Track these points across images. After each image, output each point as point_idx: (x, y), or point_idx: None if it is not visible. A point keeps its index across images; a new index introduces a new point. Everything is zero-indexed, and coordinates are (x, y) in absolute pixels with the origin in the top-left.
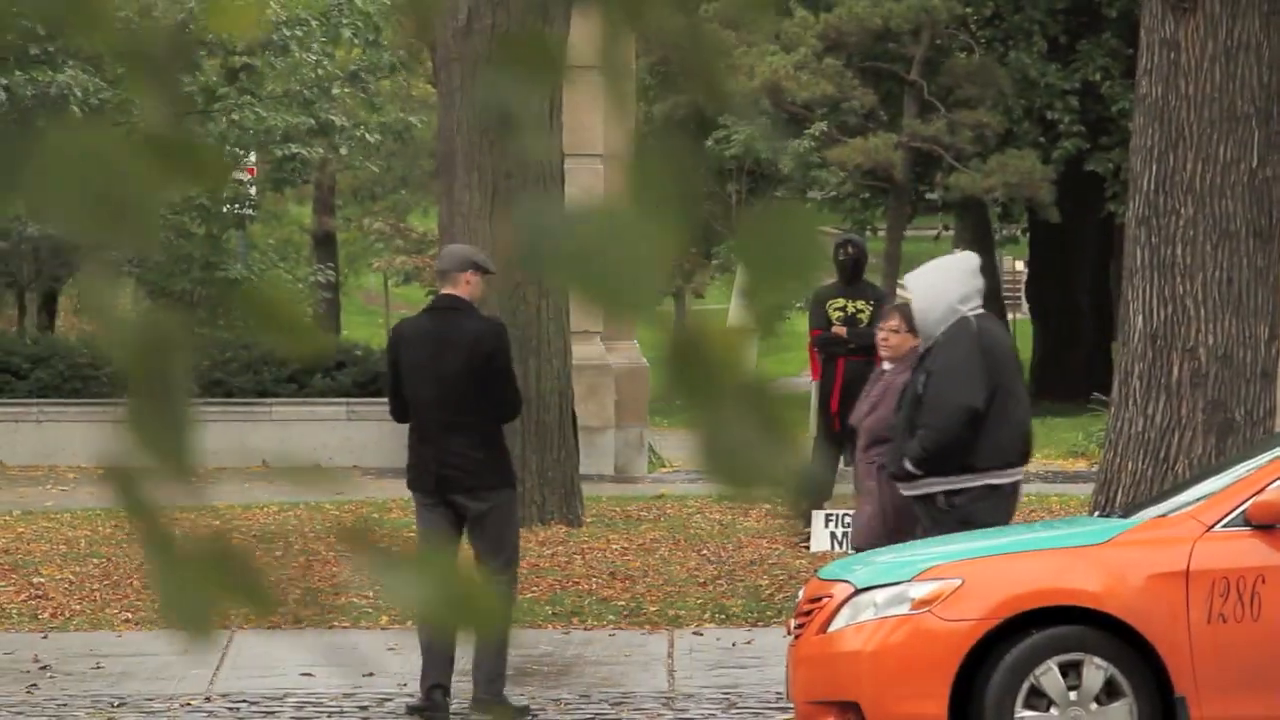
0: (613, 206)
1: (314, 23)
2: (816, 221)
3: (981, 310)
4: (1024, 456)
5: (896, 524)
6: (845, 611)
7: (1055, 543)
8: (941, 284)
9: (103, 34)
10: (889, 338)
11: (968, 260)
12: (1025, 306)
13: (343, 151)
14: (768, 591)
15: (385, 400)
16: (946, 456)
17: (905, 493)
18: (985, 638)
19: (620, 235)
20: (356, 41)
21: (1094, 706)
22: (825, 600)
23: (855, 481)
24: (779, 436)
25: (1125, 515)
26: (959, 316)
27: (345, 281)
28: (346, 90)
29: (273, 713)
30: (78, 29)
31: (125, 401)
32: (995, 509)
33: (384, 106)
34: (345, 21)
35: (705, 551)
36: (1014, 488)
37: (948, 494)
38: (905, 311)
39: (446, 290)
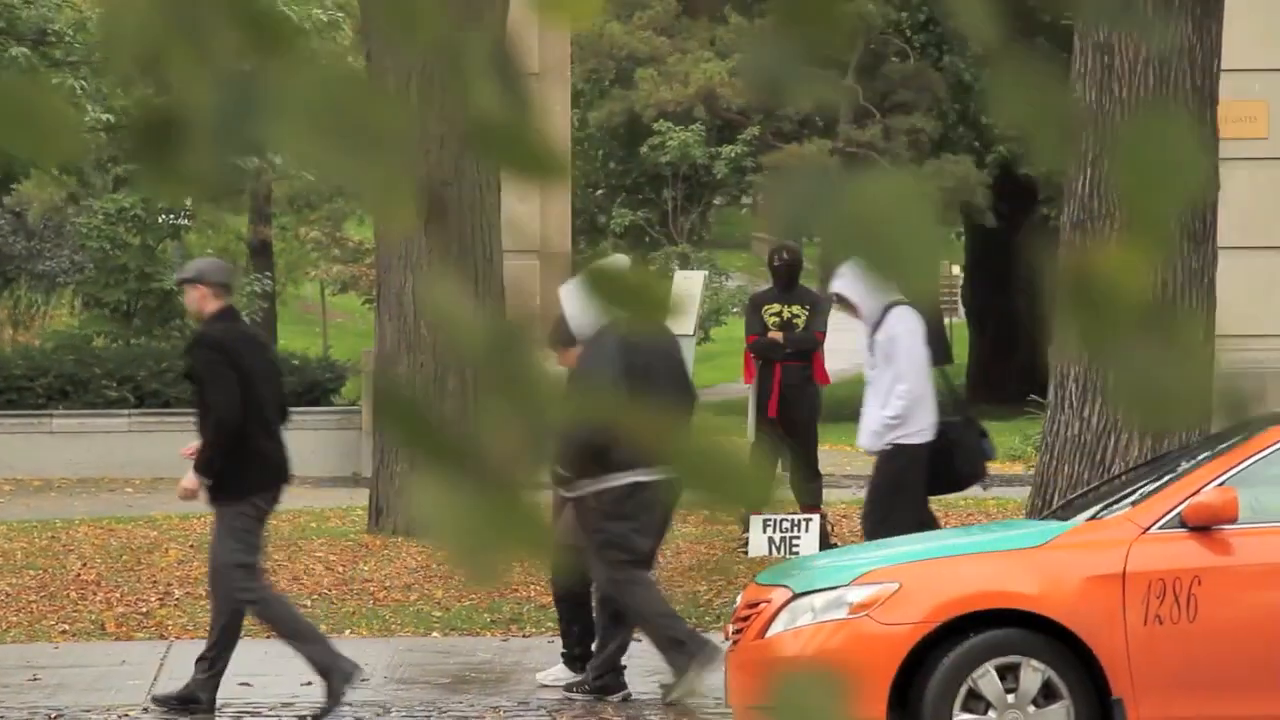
0: (887, 172)
1: None
2: (1194, 127)
3: None
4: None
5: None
6: (783, 616)
7: (992, 546)
8: None
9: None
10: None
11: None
12: (961, 310)
13: (278, 160)
14: (706, 597)
15: (324, 409)
16: (584, 458)
17: (565, 495)
18: (923, 641)
19: (900, 199)
20: None
21: (1031, 709)
22: (763, 605)
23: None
24: (1186, 356)
25: (1062, 518)
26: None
27: (282, 291)
28: None
29: None
30: None
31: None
32: (643, 506)
33: None
34: None
35: None
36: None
37: (597, 494)
38: None
39: (229, 303)
